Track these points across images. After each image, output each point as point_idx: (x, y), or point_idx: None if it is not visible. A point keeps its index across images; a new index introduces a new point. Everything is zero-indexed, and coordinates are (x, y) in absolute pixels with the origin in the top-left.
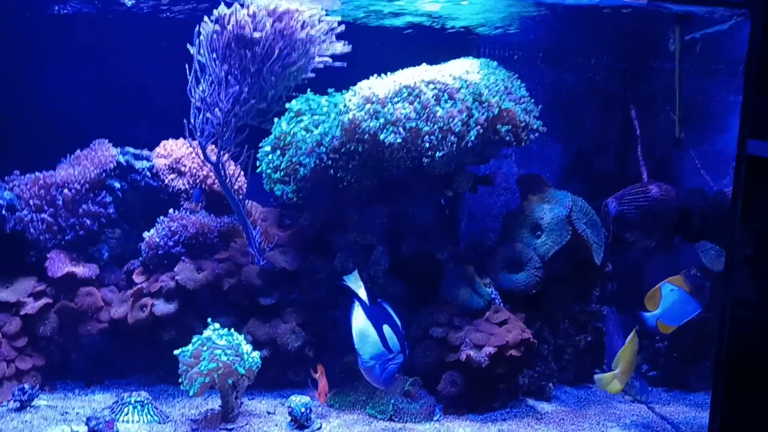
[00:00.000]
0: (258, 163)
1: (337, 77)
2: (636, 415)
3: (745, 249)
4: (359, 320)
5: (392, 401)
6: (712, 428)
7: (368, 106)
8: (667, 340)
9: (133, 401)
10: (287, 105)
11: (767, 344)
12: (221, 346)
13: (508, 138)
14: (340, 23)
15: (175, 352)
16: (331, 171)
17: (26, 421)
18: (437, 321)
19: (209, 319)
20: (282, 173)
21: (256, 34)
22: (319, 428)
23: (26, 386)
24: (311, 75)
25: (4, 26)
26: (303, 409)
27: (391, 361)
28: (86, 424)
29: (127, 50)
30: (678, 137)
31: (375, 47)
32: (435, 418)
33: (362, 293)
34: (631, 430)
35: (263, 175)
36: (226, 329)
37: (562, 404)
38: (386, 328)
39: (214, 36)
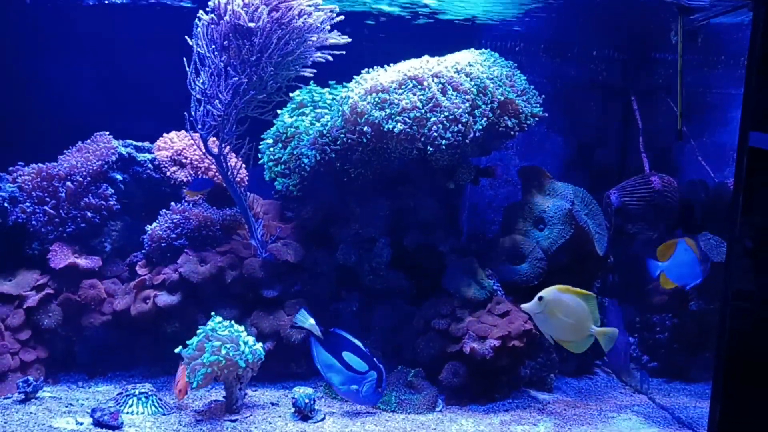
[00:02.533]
0: (260, 156)
1: (339, 70)
2: (637, 405)
3: (746, 241)
4: (319, 355)
5: (395, 393)
6: (712, 418)
7: (371, 96)
8: (668, 331)
9: (137, 393)
10: (291, 95)
11: (767, 336)
12: (223, 338)
13: (512, 131)
14: (338, 14)
15: (177, 350)
16: (335, 163)
17: (31, 413)
18: (440, 313)
19: (213, 313)
20: (283, 166)
21: (251, 24)
22: (323, 419)
23: (30, 378)
24: (313, 70)
25: (5, 18)
26: (307, 400)
27: (365, 380)
28: (91, 415)
29: (130, 42)
30: (680, 129)
31: (376, 38)
32: (437, 409)
33: (315, 329)
34: (632, 420)
35: (265, 167)
36: (228, 322)
37: (564, 395)
38: (347, 354)
39: (212, 27)
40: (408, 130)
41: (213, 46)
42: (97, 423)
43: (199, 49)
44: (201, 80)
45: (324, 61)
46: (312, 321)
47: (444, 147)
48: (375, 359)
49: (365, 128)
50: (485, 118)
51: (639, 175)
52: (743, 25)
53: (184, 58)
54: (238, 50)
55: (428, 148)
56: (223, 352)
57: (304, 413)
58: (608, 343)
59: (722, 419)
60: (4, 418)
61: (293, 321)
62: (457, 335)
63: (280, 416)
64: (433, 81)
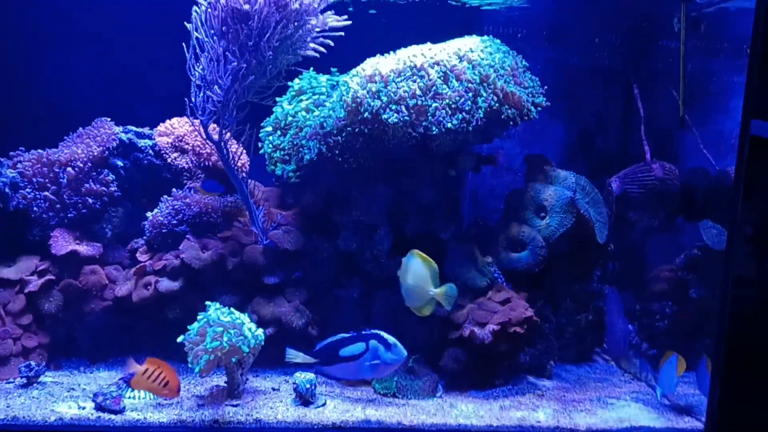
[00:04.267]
0: (261, 145)
1: (341, 57)
2: (635, 392)
3: (747, 229)
4: (330, 372)
5: (396, 378)
6: (711, 405)
7: (371, 85)
8: (668, 319)
9: (124, 383)
10: (289, 84)
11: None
12: (224, 324)
13: (512, 121)
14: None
15: (179, 339)
16: (335, 153)
17: (33, 397)
18: None
19: (208, 302)
20: (283, 152)
21: (246, 6)
22: (324, 404)
23: (32, 363)
24: (314, 54)
25: (3, 4)
26: (308, 386)
27: (373, 353)
28: (93, 399)
29: (130, 28)
30: (682, 116)
31: (377, 24)
32: (438, 395)
33: (307, 359)
34: (630, 406)
35: (265, 155)
36: (228, 308)
37: (563, 381)
38: (343, 352)
39: (210, 12)
40: (406, 117)
41: (212, 32)
42: (99, 407)
43: (197, 35)
44: (200, 66)
45: (324, 48)
46: (300, 354)
47: (445, 131)
48: (360, 332)
49: (365, 116)
50: (487, 106)
51: (640, 162)
52: (747, 11)
53: (183, 44)
54: (237, 35)
55: (433, 129)
56: (225, 338)
57: (305, 398)
58: (448, 301)
59: (721, 406)
60: (7, 403)
61: (287, 359)
62: (458, 322)
63: (281, 401)
64: (434, 69)
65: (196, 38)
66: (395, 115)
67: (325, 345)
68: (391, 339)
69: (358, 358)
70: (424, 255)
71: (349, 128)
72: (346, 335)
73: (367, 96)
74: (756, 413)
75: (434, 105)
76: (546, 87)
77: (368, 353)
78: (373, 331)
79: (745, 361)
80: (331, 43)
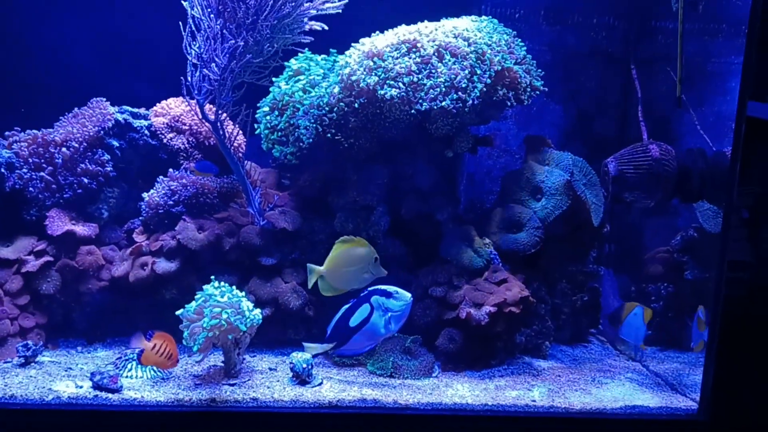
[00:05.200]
0: (257, 126)
1: (338, 37)
2: (631, 372)
3: (743, 210)
4: (348, 351)
5: (392, 358)
6: (705, 385)
7: (367, 61)
8: (663, 300)
9: (136, 357)
10: (286, 64)
11: (762, 305)
12: (222, 303)
13: (509, 100)
14: None
15: (178, 312)
16: (331, 132)
17: (31, 377)
18: (437, 281)
19: (213, 277)
20: (280, 134)
21: None
22: (320, 384)
23: (30, 343)
24: (311, 34)
25: None
26: (305, 365)
27: (380, 313)
28: (90, 379)
29: (126, 4)
30: (679, 96)
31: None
32: (434, 375)
33: (325, 347)
34: (625, 386)
35: (262, 135)
36: (227, 286)
37: (558, 362)
38: (353, 321)
39: None
40: (403, 93)
41: (208, 10)
42: (96, 386)
43: (194, 13)
44: (197, 44)
45: (320, 29)
46: (316, 345)
47: (438, 109)
48: (359, 296)
49: (360, 95)
50: (483, 85)
51: (637, 143)
52: None
53: (180, 23)
54: (234, 13)
55: (424, 105)
56: (225, 315)
57: (301, 378)
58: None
59: (716, 386)
60: (5, 381)
61: (310, 355)
62: (454, 302)
63: (278, 381)
64: (430, 45)
65: (192, 16)
66: (392, 90)
67: (334, 325)
68: (390, 288)
69: (369, 321)
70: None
71: (344, 106)
72: (347, 306)
73: (364, 72)
74: (749, 394)
75: (429, 83)
76: (543, 69)
77: (375, 311)
78: (369, 289)
79: (740, 341)
80: (325, 27)
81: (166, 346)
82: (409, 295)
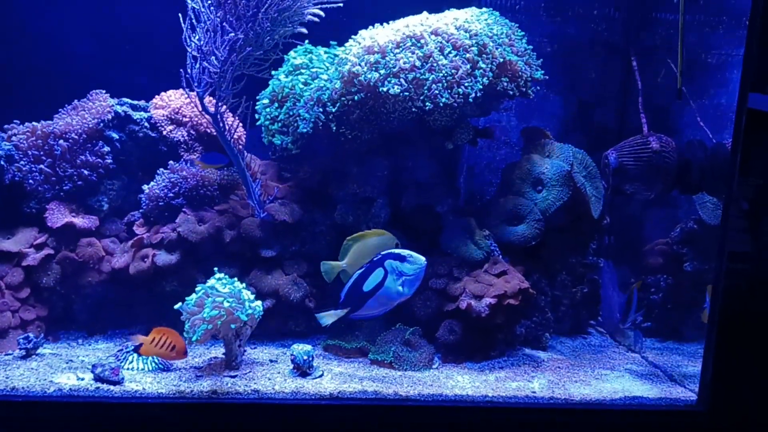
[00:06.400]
0: (257, 117)
1: (338, 29)
2: (630, 363)
3: (743, 202)
4: (362, 315)
5: (392, 349)
6: (704, 376)
7: (368, 56)
8: (662, 292)
9: (134, 350)
10: (286, 56)
11: (761, 297)
12: (223, 293)
13: (510, 91)
14: None
15: (176, 306)
16: (331, 125)
17: (32, 369)
18: (437, 272)
19: (216, 269)
20: (280, 124)
21: None
22: (321, 375)
23: (31, 335)
24: (311, 24)
25: None
26: (305, 357)
27: (393, 276)
28: (91, 371)
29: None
30: (679, 88)
31: None
32: (434, 366)
33: (338, 314)
34: (624, 377)
35: (262, 127)
36: (227, 278)
37: (558, 353)
38: (367, 286)
39: None
40: (405, 93)
41: (209, 2)
42: (98, 378)
43: (193, 4)
44: (197, 37)
45: (318, 20)
46: (330, 312)
47: (442, 105)
48: (373, 261)
49: (361, 89)
50: (485, 78)
51: (637, 135)
52: None
53: (180, 15)
54: (234, 5)
55: (427, 104)
56: (226, 304)
57: (302, 370)
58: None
59: (714, 376)
60: (6, 374)
61: (322, 324)
62: (454, 294)
63: (279, 372)
64: (431, 39)
65: (192, 8)
66: (395, 87)
67: (348, 291)
68: (404, 252)
69: (383, 285)
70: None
71: (345, 100)
72: (360, 270)
73: (365, 68)
74: (748, 385)
75: (431, 78)
76: (543, 60)
77: (389, 276)
78: (382, 253)
79: (739, 331)
80: (323, 14)
81: (167, 338)
82: (423, 258)
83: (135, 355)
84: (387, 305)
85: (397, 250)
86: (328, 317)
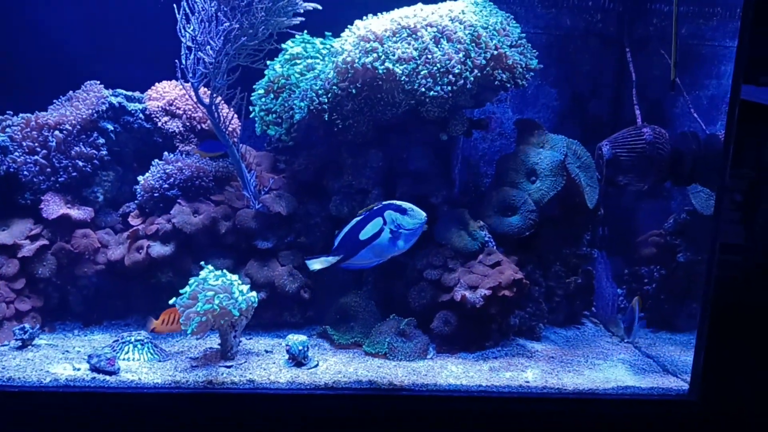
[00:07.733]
0: (252, 108)
1: (333, 19)
2: (623, 353)
3: (735, 193)
4: (355, 264)
5: (387, 340)
6: (696, 366)
7: (364, 44)
8: (656, 282)
9: (133, 340)
10: (282, 46)
11: (753, 288)
12: (215, 287)
13: (505, 83)
14: None
15: (171, 301)
16: (325, 115)
17: (28, 359)
18: (432, 264)
19: (202, 263)
20: (275, 115)
21: None
22: (316, 365)
23: (27, 326)
24: (305, 14)
25: None
26: (300, 347)
27: (394, 228)
28: (88, 361)
29: None
30: (673, 79)
31: None
32: (429, 356)
33: (329, 260)
34: (617, 367)
35: (256, 118)
36: (219, 271)
37: (552, 344)
38: (363, 235)
39: None
40: (405, 78)
41: None
42: (94, 369)
43: None
44: (191, 27)
45: (312, 9)
46: (320, 258)
47: (430, 99)
48: (373, 210)
49: (356, 77)
50: (478, 69)
51: (631, 126)
52: None
53: (174, 5)
54: None
55: (421, 89)
56: (217, 301)
57: (297, 360)
58: None
59: (706, 366)
60: (2, 364)
61: (311, 269)
62: (449, 285)
63: (274, 363)
64: (426, 30)
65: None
66: (394, 65)
67: (343, 236)
68: (405, 204)
69: (381, 235)
70: None
71: (339, 90)
72: (358, 217)
73: (360, 53)
74: (739, 375)
75: (423, 72)
76: (538, 51)
77: (387, 226)
78: (384, 203)
79: (730, 321)
80: (319, 7)
81: (176, 315)
82: (424, 214)
83: (131, 345)
84: (380, 257)
85: (398, 202)
86: (317, 263)
